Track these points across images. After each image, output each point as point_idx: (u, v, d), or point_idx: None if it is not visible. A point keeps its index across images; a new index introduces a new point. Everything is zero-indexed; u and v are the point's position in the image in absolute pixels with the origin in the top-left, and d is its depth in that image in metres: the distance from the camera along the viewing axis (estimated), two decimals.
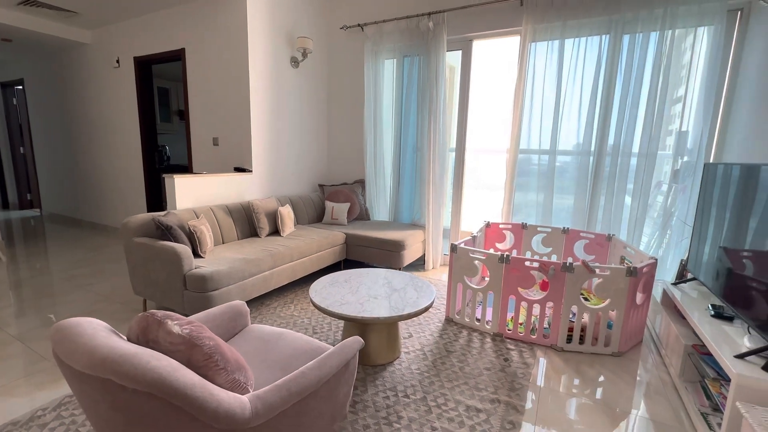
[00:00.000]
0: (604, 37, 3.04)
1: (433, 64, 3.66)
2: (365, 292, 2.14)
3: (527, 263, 2.34)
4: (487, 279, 2.51)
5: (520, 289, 2.38)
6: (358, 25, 4.01)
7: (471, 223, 4.28)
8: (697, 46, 2.76)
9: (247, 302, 2.83)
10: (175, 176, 2.85)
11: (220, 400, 0.91)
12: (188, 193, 2.99)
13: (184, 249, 2.29)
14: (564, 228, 3.30)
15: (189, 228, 2.53)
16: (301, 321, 2.59)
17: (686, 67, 2.82)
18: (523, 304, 2.77)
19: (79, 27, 4.55)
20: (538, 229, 3.43)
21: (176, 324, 1.01)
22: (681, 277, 2.57)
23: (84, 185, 5.23)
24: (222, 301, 2.32)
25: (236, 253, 2.67)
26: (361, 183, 4.35)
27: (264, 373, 1.32)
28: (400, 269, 3.50)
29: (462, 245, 2.67)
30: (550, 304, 2.33)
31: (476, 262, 2.51)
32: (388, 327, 2.10)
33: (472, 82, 3.74)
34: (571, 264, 2.22)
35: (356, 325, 2.09)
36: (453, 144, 3.99)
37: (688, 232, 2.90)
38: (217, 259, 2.53)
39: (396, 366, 2.09)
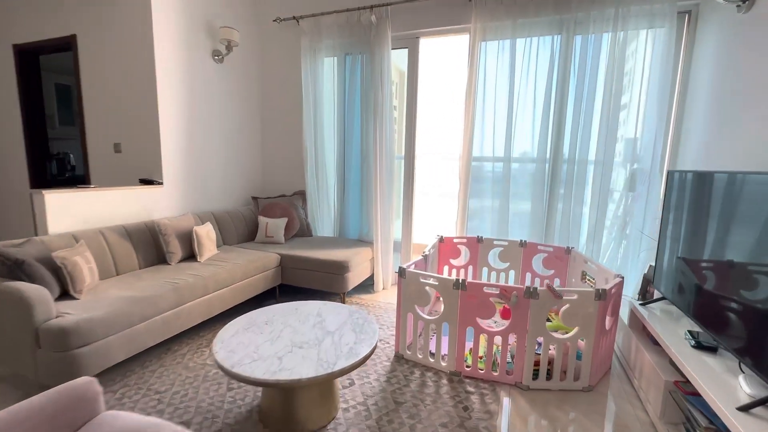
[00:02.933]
0: (556, 37, 2.85)
1: (377, 62, 3.30)
2: (288, 339, 1.67)
3: (486, 289, 2.00)
4: (439, 309, 2.15)
5: (478, 319, 2.04)
6: (293, 17, 3.57)
7: (424, 235, 3.95)
8: (649, 48, 2.63)
9: (148, 349, 2.23)
10: (45, 192, 2.20)
11: None
12: (69, 212, 2.35)
13: (38, 292, 1.68)
14: (521, 241, 3.05)
15: (56, 261, 1.91)
16: (214, 373, 2.05)
17: (638, 70, 2.69)
18: (484, 335, 2.44)
19: None
20: (495, 242, 3.16)
21: None
22: (645, 294, 2.37)
23: None
24: (94, 360, 1.73)
25: (127, 290, 2.08)
26: (302, 195, 3.86)
27: None
28: (344, 294, 3.04)
29: (411, 268, 2.29)
30: (513, 336, 2.01)
31: (428, 288, 2.13)
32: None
33: (421, 83, 3.43)
34: (535, 289, 1.91)
35: None
36: (402, 151, 3.65)
37: (647, 243, 2.75)
38: (96, 300, 1.93)
39: (331, 431, 1.64)
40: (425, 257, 2.59)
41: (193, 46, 3.16)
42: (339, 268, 2.91)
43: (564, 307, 1.93)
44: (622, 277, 2.11)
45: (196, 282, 2.30)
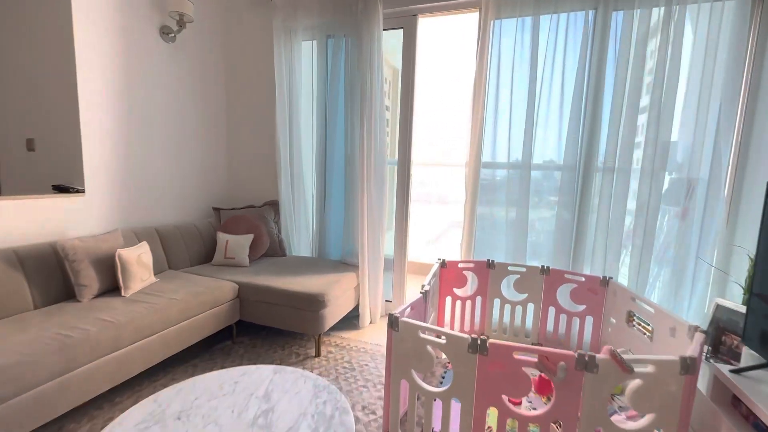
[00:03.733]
0: (590, 13, 2.26)
1: (365, 46, 2.69)
2: None
3: (518, 354, 1.36)
4: (446, 370, 1.50)
5: (505, 397, 1.40)
6: None
7: (420, 250, 3.32)
8: (713, 27, 2.06)
9: None
10: None
11: None
12: None
13: None
14: (543, 267, 2.43)
15: None
16: None
17: (698, 56, 2.11)
18: (513, 419, 1.80)
19: None
20: (510, 268, 2.53)
21: None
22: (717, 348, 1.77)
23: None
24: None
25: None
26: (274, 206, 3.21)
27: None
28: (319, 338, 2.38)
29: (407, 314, 1.65)
30: (556, 426, 1.37)
31: (430, 347, 1.49)
32: None
33: (419, 72, 2.82)
34: (592, 358, 1.28)
35: None
36: (395, 155, 3.03)
37: (706, 273, 2.16)
38: None
39: None
40: (425, 294, 1.95)
41: (133, 17, 2.51)
42: (313, 303, 2.25)
43: (633, 384, 1.31)
44: (705, 332, 1.49)
45: (101, 334, 1.63)
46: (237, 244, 2.80)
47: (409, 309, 1.72)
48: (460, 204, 2.71)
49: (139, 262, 2.14)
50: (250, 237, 2.86)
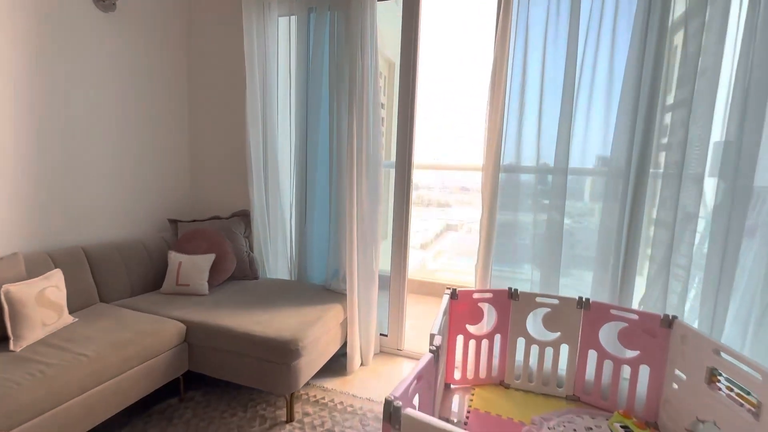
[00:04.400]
0: None
1: (355, 20, 2.14)
2: None
3: None
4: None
5: None
6: None
7: (416, 259, 2.77)
8: None
9: None
10: None
11: None
12: None
13: None
14: (582, 299, 1.90)
15: None
16: None
17: None
18: None
19: None
20: (537, 299, 1.99)
21: None
22: None
23: None
24: None
25: None
26: (245, 217, 2.64)
27: None
28: (291, 397, 1.80)
29: (411, 390, 1.10)
30: None
31: None
32: None
33: (422, 51, 2.28)
34: None
35: None
36: (391, 156, 2.49)
37: None
38: None
39: None
40: (435, 352, 1.38)
41: None
42: (284, 353, 1.68)
43: None
44: None
45: None
46: (193, 266, 2.22)
47: (414, 382, 1.16)
48: (455, 208, 2.17)
49: (40, 300, 1.55)
50: (210, 257, 2.28)
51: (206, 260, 2.26)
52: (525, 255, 2.11)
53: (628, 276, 1.90)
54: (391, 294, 2.49)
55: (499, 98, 1.97)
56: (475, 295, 2.04)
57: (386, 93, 3.93)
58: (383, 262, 2.38)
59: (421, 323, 2.91)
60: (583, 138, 1.89)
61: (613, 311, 1.86)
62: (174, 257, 2.25)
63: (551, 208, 1.98)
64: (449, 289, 2.02)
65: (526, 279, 2.11)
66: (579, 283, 2.04)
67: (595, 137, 1.87)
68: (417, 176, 2.45)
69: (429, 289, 3.69)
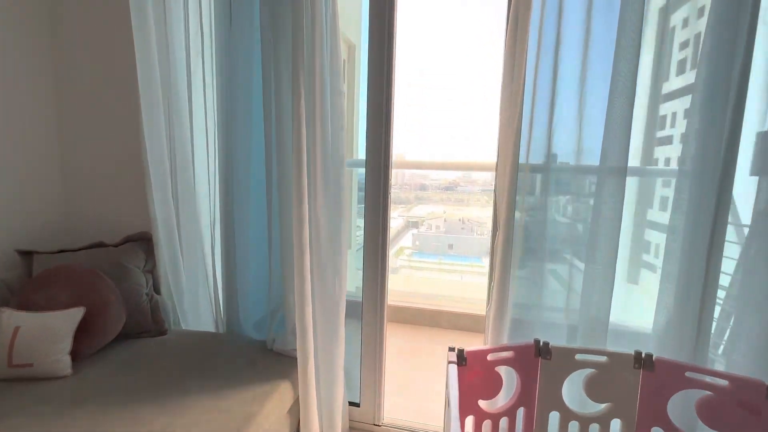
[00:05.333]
0: None
1: None
2: None
3: None
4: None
5: None
6: None
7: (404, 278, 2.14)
8: None
9: None
10: None
11: None
12: None
13: None
14: (642, 355, 1.31)
15: None
16: None
17: None
18: None
19: None
20: (578, 357, 1.38)
21: None
22: None
23: None
24: None
25: None
26: (143, 243, 1.79)
27: None
28: None
29: None
30: None
31: None
32: None
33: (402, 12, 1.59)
34: None
35: None
36: (358, 153, 1.79)
37: None
38: None
39: None
40: None
41: None
42: None
43: None
44: None
45: None
46: (42, 332, 1.36)
47: None
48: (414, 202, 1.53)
49: None
50: (76, 314, 1.43)
51: (67, 319, 1.41)
52: (558, 287, 1.49)
53: (705, 320, 1.33)
54: (365, 341, 1.77)
55: (518, 71, 1.32)
56: (490, 357, 1.39)
57: (346, 80, 3.23)
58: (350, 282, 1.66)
59: (401, 368, 2.23)
60: (645, 128, 1.30)
61: (689, 374, 1.28)
62: (8, 318, 1.37)
63: (600, 218, 1.36)
64: (454, 349, 1.35)
65: (559, 324, 1.49)
66: (634, 334, 1.46)
67: (662, 123, 1.28)
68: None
69: (405, 316, 3.01)
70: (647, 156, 1.47)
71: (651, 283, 1.42)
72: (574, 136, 1.31)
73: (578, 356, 1.38)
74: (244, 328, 1.76)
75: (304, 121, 1.40)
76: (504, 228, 1.40)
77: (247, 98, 1.61)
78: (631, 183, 1.42)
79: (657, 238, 1.49)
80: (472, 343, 2.44)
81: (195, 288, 1.79)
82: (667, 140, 1.47)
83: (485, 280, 1.57)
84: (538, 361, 1.41)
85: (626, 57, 1.23)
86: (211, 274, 1.78)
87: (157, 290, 1.79)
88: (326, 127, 1.47)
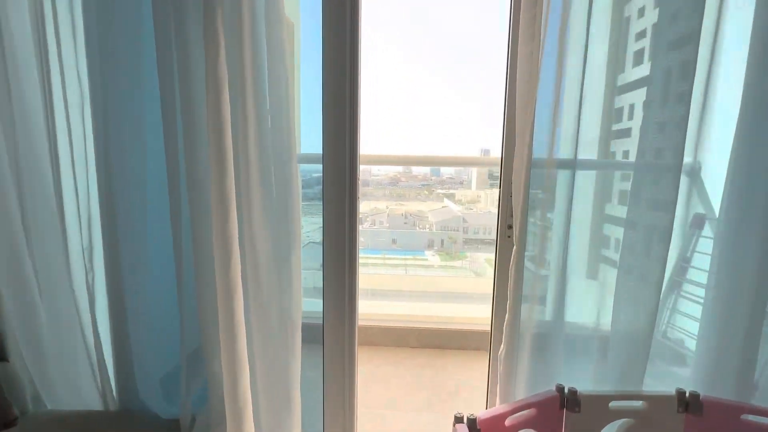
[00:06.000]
0: None
1: None
2: None
3: None
4: None
5: None
6: None
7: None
8: None
9: None
10: None
11: None
12: None
13: None
14: (684, 395, 1.04)
15: None
16: None
17: None
18: None
19: None
20: (613, 405, 1.07)
21: None
22: None
23: None
24: None
25: None
26: None
27: None
28: None
29: None
30: None
31: None
32: None
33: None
34: None
35: None
36: (310, 146, 1.32)
37: None
38: None
39: None
40: None
41: None
42: None
43: None
44: None
45: None
46: None
47: None
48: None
49: None
50: None
51: None
52: (586, 298, 1.17)
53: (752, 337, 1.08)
54: (328, 387, 1.30)
55: (533, 35, 0.95)
56: (509, 421, 1.01)
57: (284, 63, 2.68)
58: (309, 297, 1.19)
59: (374, 411, 1.78)
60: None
61: (748, 417, 1.03)
62: None
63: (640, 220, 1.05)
64: (461, 419, 0.96)
65: (581, 367, 1.17)
66: (667, 372, 1.19)
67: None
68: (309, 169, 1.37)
69: (365, 336, 2.55)
70: (604, 149, 1.21)
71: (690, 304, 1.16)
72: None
73: (614, 404, 1.07)
74: (147, 398, 1.20)
75: (224, 97, 0.89)
76: (519, 229, 1.04)
77: (134, 68, 1.05)
78: (590, 177, 1.14)
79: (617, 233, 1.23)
80: (452, 365, 2.08)
81: (65, 346, 1.18)
82: (625, 133, 1.24)
83: (428, 272, 1.22)
84: (562, 414, 1.08)
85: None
86: (88, 322, 1.19)
87: (2, 356, 1.16)
88: (264, 116, 0.98)
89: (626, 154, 1.12)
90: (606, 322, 1.12)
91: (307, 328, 1.22)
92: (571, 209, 1.05)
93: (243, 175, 0.98)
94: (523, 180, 1.01)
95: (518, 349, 1.10)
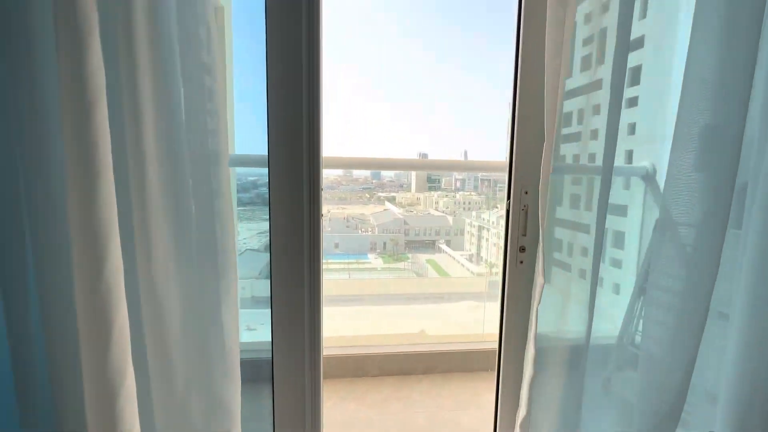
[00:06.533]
0: None
1: None
2: None
3: None
4: None
5: None
6: None
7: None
8: None
9: None
10: None
11: None
12: None
13: None
14: None
15: None
16: None
17: None
18: None
19: None
20: None
21: None
22: None
23: None
24: None
25: None
26: None
27: None
28: None
29: None
30: None
31: None
32: None
33: None
34: None
35: None
36: (247, 146, 0.95)
37: None
38: None
39: None
40: None
41: None
42: None
43: None
44: None
45: None
46: None
47: None
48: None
49: None
50: None
51: None
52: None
53: None
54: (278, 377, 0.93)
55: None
56: None
57: (209, 51, 2.20)
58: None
59: None
60: None
61: None
62: None
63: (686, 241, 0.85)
64: None
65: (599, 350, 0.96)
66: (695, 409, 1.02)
67: None
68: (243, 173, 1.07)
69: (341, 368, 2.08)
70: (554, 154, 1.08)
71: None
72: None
73: None
74: None
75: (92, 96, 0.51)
76: (545, 260, 0.79)
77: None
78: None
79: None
80: (424, 396, 1.77)
81: None
82: (574, 137, 1.14)
83: (371, 275, 0.99)
84: None
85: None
86: None
87: None
88: (178, 110, 0.61)
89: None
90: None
91: (248, 365, 0.86)
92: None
93: (145, 189, 0.60)
94: (545, 191, 0.76)
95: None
